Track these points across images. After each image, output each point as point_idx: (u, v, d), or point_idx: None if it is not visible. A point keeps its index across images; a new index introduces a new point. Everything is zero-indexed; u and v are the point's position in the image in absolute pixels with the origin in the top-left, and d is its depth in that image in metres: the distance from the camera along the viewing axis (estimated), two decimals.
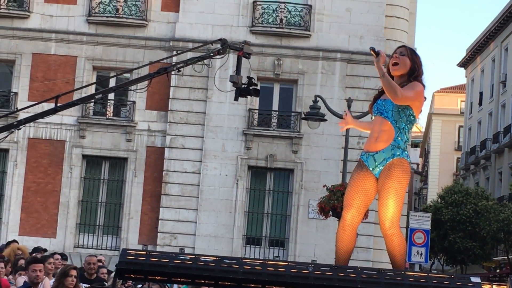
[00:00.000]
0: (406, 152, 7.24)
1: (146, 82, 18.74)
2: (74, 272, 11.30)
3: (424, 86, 7.28)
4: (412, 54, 7.29)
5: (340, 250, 7.23)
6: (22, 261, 13.58)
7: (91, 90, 28.89)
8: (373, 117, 7.36)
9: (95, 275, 14.28)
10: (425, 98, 7.40)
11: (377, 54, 7.07)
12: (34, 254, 15.08)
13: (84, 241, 32.00)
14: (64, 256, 16.62)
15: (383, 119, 7.23)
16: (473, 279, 6.04)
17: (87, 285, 13.22)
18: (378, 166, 7.20)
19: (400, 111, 7.20)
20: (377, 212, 7.23)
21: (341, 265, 6.78)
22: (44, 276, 11.48)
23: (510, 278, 6.13)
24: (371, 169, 7.23)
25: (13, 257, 14.24)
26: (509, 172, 49.10)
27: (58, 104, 17.37)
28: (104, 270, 15.33)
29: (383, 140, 7.19)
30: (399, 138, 7.19)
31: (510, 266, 42.36)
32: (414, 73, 7.23)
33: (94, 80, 32.12)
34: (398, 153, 7.16)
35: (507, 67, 51.47)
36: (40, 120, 23.10)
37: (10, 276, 12.98)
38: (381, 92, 7.43)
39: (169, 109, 32.17)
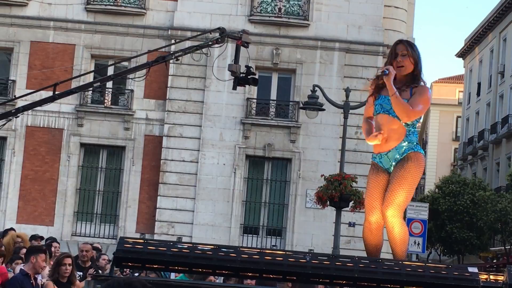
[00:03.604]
0: (419, 146, 7.35)
1: (144, 71, 18.74)
2: (68, 261, 11.30)
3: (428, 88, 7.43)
4: (413, 52, 7.36)
5: (371, 251, 7.41)
6: (23, 250, 13.40)
7: (89, 78, 28.83)
8: (377, 115, 7.36)
9: (89, 262, 14.26)
10: None
11: (387, 74, 7.20)
12: (33, 243, 15.05)
13: (81, 229, 32.00)
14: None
15: (390, 117, 7.27)
16: (470, 269, 6.04)
17: (81, 273, 13.21)
18: (393, 162, 7.28)
19: None
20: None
21: (339, 254, 6.80)
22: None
23: (507, 268, 6.13)
24: (386, 168, 7.31)
25: (12, 245, 14.18)
26: (507, 163, 49.10)
27: (56, 92, 17.38)
28: (106, 257, 15.33)
29: (394, 139, 7.26)
30: (412, 136, 7.30)
31: (507, 257, 42.40)
32: (415, 70, 7.33)
33: (92, 68, 32.08)
34: (413, 148, 7.26)
35: (505, 58, 51.40)
36: (38, 108, 23.08)
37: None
38: (379, 86, 7.45)
39: (167, 98, 32.13)
